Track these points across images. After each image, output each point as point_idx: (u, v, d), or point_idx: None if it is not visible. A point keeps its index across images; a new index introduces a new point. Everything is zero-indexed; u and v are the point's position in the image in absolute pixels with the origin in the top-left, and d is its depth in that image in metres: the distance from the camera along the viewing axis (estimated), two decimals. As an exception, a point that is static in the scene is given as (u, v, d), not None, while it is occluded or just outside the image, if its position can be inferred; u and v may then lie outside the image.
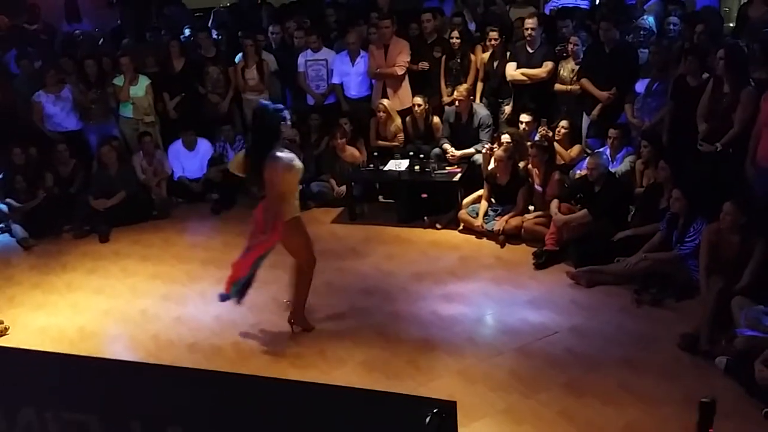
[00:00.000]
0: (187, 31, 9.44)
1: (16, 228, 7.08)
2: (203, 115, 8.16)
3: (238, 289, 4.79)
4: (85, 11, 10.74)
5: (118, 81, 7.85)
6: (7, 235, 7.18)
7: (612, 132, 6.28)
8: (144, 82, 7.89)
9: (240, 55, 8.06)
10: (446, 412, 1.89)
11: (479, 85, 7.42)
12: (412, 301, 5.48)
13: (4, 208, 7.23)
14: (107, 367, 2.41)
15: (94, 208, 7.27)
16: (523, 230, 6.24)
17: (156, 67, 8.11)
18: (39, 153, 7.58)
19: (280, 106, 4.83)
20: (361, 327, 5.09)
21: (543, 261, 5.80)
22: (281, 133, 4.60)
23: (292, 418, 2.08)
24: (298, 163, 4.60)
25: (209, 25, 9.37)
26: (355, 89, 7.73)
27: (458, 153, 7.00)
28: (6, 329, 5.33)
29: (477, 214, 6.49)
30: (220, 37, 8.86)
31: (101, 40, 9.47)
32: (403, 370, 4.57)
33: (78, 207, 7.35)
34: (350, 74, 7.71)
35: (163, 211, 7.58)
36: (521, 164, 6.49)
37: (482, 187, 6.61)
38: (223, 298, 4.87)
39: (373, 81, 7.70)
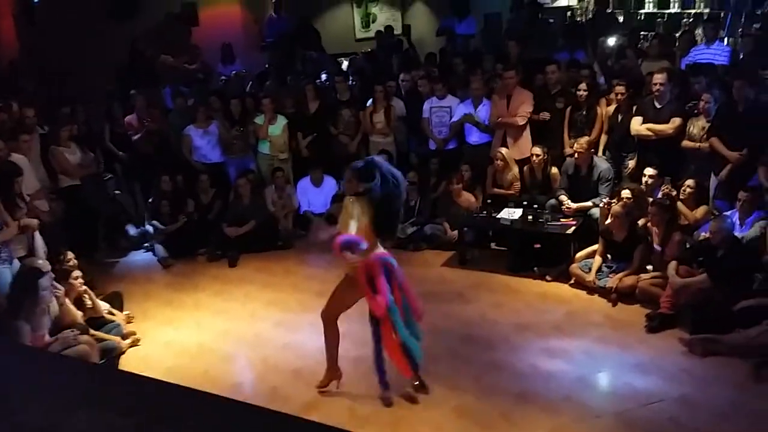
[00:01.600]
0: (323, 76, 10.10)
1: (158, 248, 7.86)
2: (332, 154, 8.65)
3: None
4: (239, 54, 11.77)
5: (259, 120, 8.53)
6: (150, 254, 7.98)
7: (741, 194, 5.93)
8: (281, 121, 8.52)
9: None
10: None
11: (603, 138, 7.31)
12: (513, 352, 5.45)
13: (150, 229, 8.06)
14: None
15: (227, 235, 7.89)
16: (637, 290, 6.01)
17: (293, 109, 8.72)
18: (184, 181, 8.37)
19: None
20: (458, 373, 5.13)
21: (656, 324, 5.56)
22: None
23: None
24: None
25: (346, 70, 9.95)
26: (476, 135, 7.89)
27: (574, 206, 6.91)
28: (137, 340, 5.91)
29: (590, 269, 6.35)
30: (354, 82, 9.39)
31: (249, 81, 10.32)
32: (495, 421, 4.55)
33: (213, 233, 8.02)
34: (472, 120, 7.89)
35: (288, 242, 8.08)
36: (641, 222, 6.30)
37: (597, 242, 6.47)
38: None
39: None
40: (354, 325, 5.82)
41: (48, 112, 7.99)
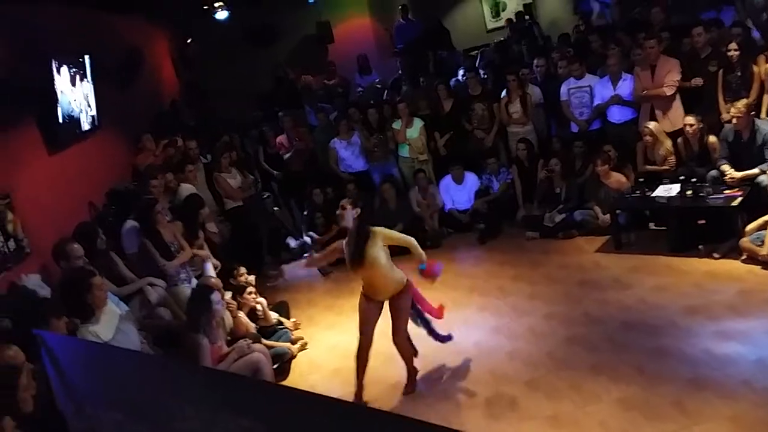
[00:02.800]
0: (460, 72, 10.11)
1: (317, 257, 8.31)
2: (470, 150, 8.66)
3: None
4: (374, 64, 12.15)
5: (396, 125, 8.74)
6: (310, 263, 8.46)
7: None
8: (418, 124, 8.68)
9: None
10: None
11: (765, 98, 6.67)
12: (681, 337, 5.13)
13: (308, 240, 8.54)
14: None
15: (377, 239, 8.15)
16: (821, 261, 5.44)
17: (428, 110, 8.84)
18: (333, 192, 8.78)
19: None
20: (620, 362, 4.92)
21: None
22: None
23: None
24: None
25: (477, 65, 9.90)
26: (618, 113, 7.53)
27: (739, 174, 6.37)
28: (305, 344, 6.31)
29: (763, 241, 5.82)
30: (485, 75, 9.32)
31: (385, 90, 10.60)
32: (665, 411, 4.32)
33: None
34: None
35: (436, 241, 8.18)
36: (819, 185, 5.68)
37: (769, 212, 5.92)
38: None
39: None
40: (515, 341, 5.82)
41: (208, 142, 8.74)
